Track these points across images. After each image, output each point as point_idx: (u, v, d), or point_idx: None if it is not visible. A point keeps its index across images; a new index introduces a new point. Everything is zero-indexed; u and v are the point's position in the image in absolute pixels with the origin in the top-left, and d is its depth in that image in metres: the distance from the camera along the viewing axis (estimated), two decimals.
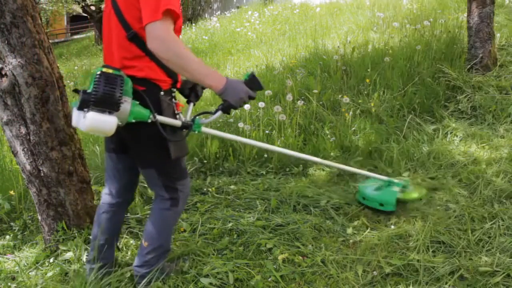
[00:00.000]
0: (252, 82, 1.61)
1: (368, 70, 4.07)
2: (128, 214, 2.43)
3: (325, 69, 4.40)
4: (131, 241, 2.19)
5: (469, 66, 3.78)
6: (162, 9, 1.40)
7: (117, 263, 2.03)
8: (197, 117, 1.72)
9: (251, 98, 1.61)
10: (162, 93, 1.60)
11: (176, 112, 1.65)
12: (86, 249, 2.10)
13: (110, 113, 1.44)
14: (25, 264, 2.13)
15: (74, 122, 1.54)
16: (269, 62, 5.69)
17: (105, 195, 1.87)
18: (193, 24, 13.55)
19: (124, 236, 2.23)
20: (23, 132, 1.98)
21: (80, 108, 1.45)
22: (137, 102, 1.52)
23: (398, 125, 3.36)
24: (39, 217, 2.20)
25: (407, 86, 3.70)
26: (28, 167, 2.05)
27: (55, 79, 2.02)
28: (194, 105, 1.78)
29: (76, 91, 1.55)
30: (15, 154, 2.07)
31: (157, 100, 1.58)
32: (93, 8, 19.27)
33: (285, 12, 10.28)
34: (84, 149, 2.64)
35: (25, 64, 1.90)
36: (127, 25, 1.52)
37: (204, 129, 1.75)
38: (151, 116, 1.53)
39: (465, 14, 4.07)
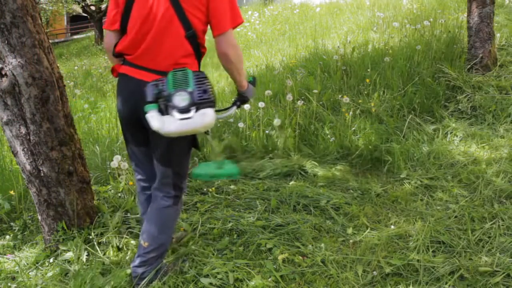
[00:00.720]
0: (254, 83, 1.94)
1: (368, 70, 4.07)
2: (128, 214, 2.44)
3: (325, 69, 4.40)
4: (132, 241, 2.19)
5: (469, 66, 3.78)
6: (238, 22, 1.64)
7: (117, 263, 2.04)
8: None
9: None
10: None
11: None
12: (86, 249, 2.10)
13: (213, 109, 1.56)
14: (25, 264, 2.13)
15: (158, 125, 1.53)
16: (269, 62, 5.69)
17: (141, 182, 1.96)
18: None
19: (124, 236, 2.23)
20: (23, 132, 1.98)
21: (188, 108, 1.50)
22: None
23: (398, 125, 3.36)
24: (39, 217, 2.20)
25: (407, 86, 3.70)
26: (28, 167, 2.05)
27: (55, 79, 2.02)
28: None
29: (159, 93, 1.55)
30: (15, 154, 2.07)
31: None
32: (93, 8, 19.27)
33: (285, 12, 10.29)
34: (84, 149, 2.64)
35: (25, 64, 1.90)
36: (188, 24, 1.61)
37: None
38: None
39: (465, 14, 4.07)
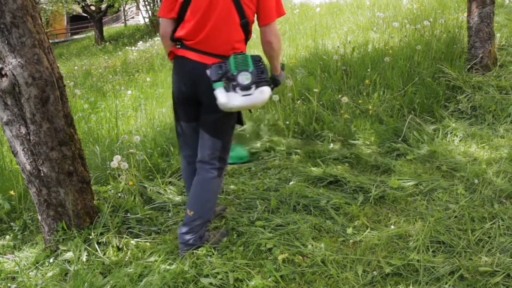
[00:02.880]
0: (283, 69, 2.17)
1: (368, 70, 4.07)
2: (129, 214, 2.44)
3: (325, 69, 4.40)
4: (132, 241, 2.19)
5: (469, 66, 3.78)
6: (282, 13, 1.92)
7: (117, 263, 2.04)
8: None
9: None
10: None
11: None
12: (86, 249, 2.10)
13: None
14: (25, 264, 2.13)
15: (224, 101, 1.78)
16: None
17: (188, 157, 2.17)
18: None
19: (124, 236, 2.23)
20: (23, 132, 1.98)
21: (249, 86, 1.78)
22: None
23: (398, 125, 3.36)
24: (39, 217, 2.20)
25: (407, 86, 3.70)
26: (28, 167, 2.05)
27: (55, 79, 2.02)
28: None
29: (224, 73, 1.82)
30: (15, 154, 2.07)
31: None
32: (93, 8, 19.27)
33: None
34: (84, 149, 2.64)
35: (25, 64, 1.90)
36: (243, 13, 1.86)
37: None
38: None
39: (465, 14, 4.07)
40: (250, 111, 2.13)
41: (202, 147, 2.03)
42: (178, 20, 1.94)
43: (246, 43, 1.97)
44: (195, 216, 2.00)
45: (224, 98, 1.78)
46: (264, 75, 1.81)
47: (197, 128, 2.06)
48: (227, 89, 1.79)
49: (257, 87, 1.78)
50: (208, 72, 1.82)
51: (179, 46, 1.97)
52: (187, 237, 2.00)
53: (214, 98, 1.80)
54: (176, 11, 1.92)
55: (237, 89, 1.77)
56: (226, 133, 2.02)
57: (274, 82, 2.08)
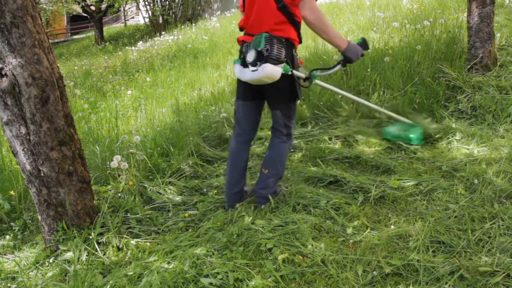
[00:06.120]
0: (364, 44, 2.30)
1: (368, 70, 4.06)
2: (129, 214, 2.44)
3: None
4: (132, 241, 2.19)
5: (469, 66, 3.78)
6: None
7: (117, 263, 2.04)
8: (313, 71, 2.31)
9: (362, 55, 2.27)
10: (294, 49, 2.19)
11: (298, 65, 2.25)
12: (86, 249, 2.10)
13: (276, 65, 2.03)
14: (25, 264, 2.13)
15: (238, 74, 2.19)
16: None
17: (237, 135, 2.44)
18: (193, 24, 13.56)
19: (124, 236, 2.23)
20: (23, 132, 1.98)
21: (254, 62, 2.04)
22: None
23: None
24: (39, 217, 2.20)
25: (407, 86, 3.70)
26: (28, 167, 2.05)
27: (55, 79, 2.02)
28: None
29: (242, 52, 2.16)
30: (15, 154, 2.07)
31: (291, 55, 2.17)
32: (93, 8, 19.28)
33: None
34: (84, 149, 2.64)
35: (25, 64, 1.90)
36: None
37: (316, 81, 2.37)
38: (290, 70, 2.13)
39: (465, 14, 4.07)
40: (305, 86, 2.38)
41: (272, 117, 2.37)
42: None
43: (295, 25, 2.13)
44: (269, 174, 2.34)
45: (238, 72, 2.15)
46: (267, 53, 2.00)
47: (250, 108, 2.36)
48: (244, 65, 2.12)
49: (261, 64, 2.00)
50: None
51: (243, 34, 2.29)
52: (264, 191, 2.36)
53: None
54: (241, 5, 2.30)
55: (249, 65, 2.07)
56: (284, 103, 2.29)
57: (344, 59, 2.25)
